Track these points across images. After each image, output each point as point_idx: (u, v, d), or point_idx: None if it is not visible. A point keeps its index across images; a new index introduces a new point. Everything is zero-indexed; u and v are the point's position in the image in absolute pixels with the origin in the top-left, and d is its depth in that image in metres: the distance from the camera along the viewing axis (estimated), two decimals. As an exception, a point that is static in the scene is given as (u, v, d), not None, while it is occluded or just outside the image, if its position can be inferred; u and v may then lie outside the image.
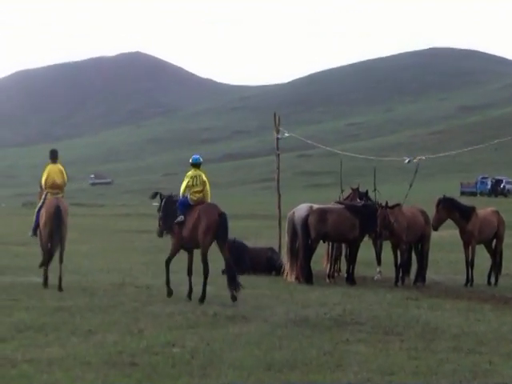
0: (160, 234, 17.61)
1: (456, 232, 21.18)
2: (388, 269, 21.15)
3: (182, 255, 17.29)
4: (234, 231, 26.70)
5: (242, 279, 18.01)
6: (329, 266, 21.16)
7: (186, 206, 16.77)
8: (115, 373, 10.13)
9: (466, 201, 23.31)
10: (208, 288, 16.23)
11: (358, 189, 22.86)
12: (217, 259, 16.96)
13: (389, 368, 10.57)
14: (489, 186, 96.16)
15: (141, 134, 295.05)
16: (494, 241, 21.20)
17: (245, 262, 21.81)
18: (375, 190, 22.77)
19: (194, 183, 16.95)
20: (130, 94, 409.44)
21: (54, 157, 18.66)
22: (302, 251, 20.35)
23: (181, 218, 16.73)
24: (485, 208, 22.07)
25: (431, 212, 20.71)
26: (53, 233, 17.86)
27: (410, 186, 21.60)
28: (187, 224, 16.62)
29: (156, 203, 18.10)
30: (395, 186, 66.10)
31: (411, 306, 16.19)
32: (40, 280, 18.11)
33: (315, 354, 11.25)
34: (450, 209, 20.34)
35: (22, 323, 13.15)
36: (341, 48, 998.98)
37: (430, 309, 15.86)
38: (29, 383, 9.70)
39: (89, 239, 34.68)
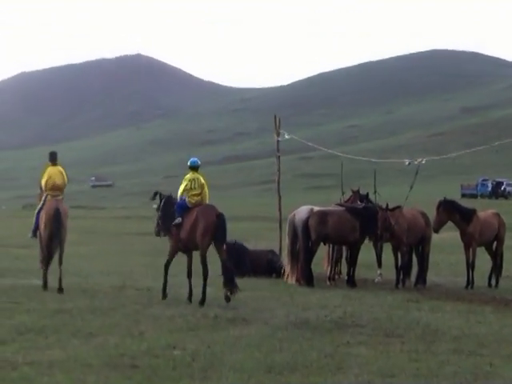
0: (157, 234, 17.60)
1: (456, 234, 21.18)
2: (389, 271, 21.14)
3: (182, 258, 17.29)
4: (235, 233, 26.70)
5: (243, 281, 18.02)
6: (329, 268, 21.15)
7: (184, 209, 16.77)
8: (116, 375, 10.13)
9: (466, 203, 23.28)
10: (208, 290, 16.23)
11: (358, 191, 22.84)
12: (216, 261, 16.96)
13: (389, 370, 10.57)
14: (489, 188, 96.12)
15: (141, 136, 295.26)
16: (495, 243, 21.20)
17: (245, 264, 21.81)
18: (375, 192, 22.77)
19: (192, 186, 16.94)
20: (131, 95, 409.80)
21: (53, 159, 18.66)
22: (303, 253, 20.35)
23: (178, 220, 16.72)
24: (485, 210, 22.06)
25: (432, 214, 20.71)
26: (52, 235, 17.87)
27: (411, 187, 21.60)
28: (185, 226, 16.61)
29: (155, 205, 18.07)
30: (396, 188, 66.10)
31: (412, 308, 16.19)
32: (40, 282, 18.10)
33: (316, 357, 11.25)
34: (450, 211, 20.34)
35: (22, 326, 13.15)
36: (342, 50, 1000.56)
37: (430, 311, 15.86)
38: (29, 386, 9.71)
39: (89, 241, 34.69)
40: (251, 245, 25.02)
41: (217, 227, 16.34)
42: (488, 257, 21.47)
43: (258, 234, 35.73)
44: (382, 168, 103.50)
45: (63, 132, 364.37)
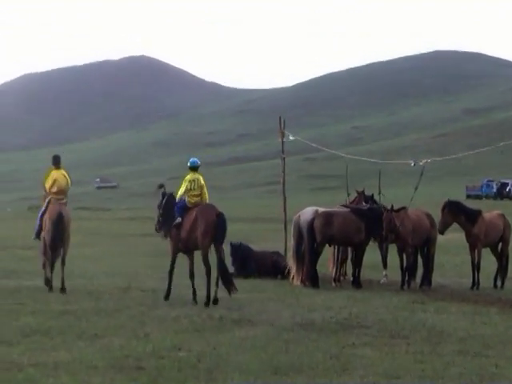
0: (158, 230, 17.55)
1: (462, 235, 21.16)
2: (394, 272, 21.12)
3: (183, 260, 17.28)
4: (239, 235, 26.70)
5: (248, 283, 18.03)
6: (335, 269, 21.13)
7: (184, 209, 16.79)
8: (121, 377, 10.13)
9: (471, 204, 23.26)
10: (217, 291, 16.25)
11: (363, 192, 22.84)
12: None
13: (395, 371, 10.56)
14: (494, 189, 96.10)
15: (145, 137, 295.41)
16: (500, 244, 21.18)
17: (250, 265, 21.83)
18: (380, 193, 22.76)
19: (192, 187, 16.97)
20: (135, 97, 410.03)
21: (56, 162, 18.72)
22: (308, 255, 20.34)
23: (178, 220, 16.74)
24: (490, 211, 22.04)
25: (436, 215, 20.69)
26: (55, 239, 17.91)
27: (416, 189, 21.58)
28: (185, 225, 16.63)
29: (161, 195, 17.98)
30: (400, 189, 66.04)
31: (417, 310, 16.17)
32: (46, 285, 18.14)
33: (321, 358, 11.24)
34: (455, 212, 20.31)
35: (27, 327, 13.16)
36: (345, 51, 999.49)
37: (436, 312, 15.85)
38: (35, 387, 9.72)
39: (94, 243, 34.70)
40: (256, 246, 25.01)
41: (217, 227, 16.33)
42: (493, 258, 21.44)
43: (262, 236, 35.71)
44: (387, 169, 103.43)
45: (67, 134, 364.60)
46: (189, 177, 17.07)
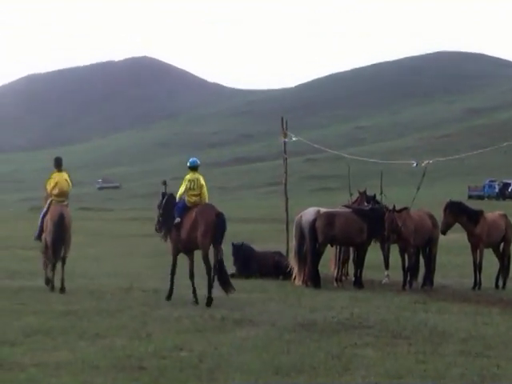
0: (158, 230, 17.56)
1: (463, 235, 21.16)
2: (396, 272, 21.12)
3: (183, 260, 17.30)
4: (241, 235, 26.72)
5: (250, 283, 18.02)
6: (336, 269, 21.13)
7: (183, 209, 16.81)
8: (123, 377, 10.14)
9: (473, 204, 23.26)
10: (213, 291, 16.25)
11: (365, 192, 22.84)
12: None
13: (397, 372, 10.56)
14: (496, 190, 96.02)
15: (147, 137, 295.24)
16: (502, 244, 21.17)
17: (252, 265, 21.85)
18: (382, 193, 22.76)
19: (192, 187, 16.99)
20: (137, 98, 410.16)
21: (58, 164, 18.82)
22: (310, 255, 20.34)
23: (177, 220, 16.76)
24: (493, 211, 22.03)
25: (439, 215, 20.69)
26: (56, 240, 17.97)
27: (418, 189, 21.59)
28: (184, 225, 16.65)
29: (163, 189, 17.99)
30: (402, 189, 66.03)
31: (419, 310, 16.17)
32: (46, 285, 18.18)
33: (323, 358, 11.24)
34: (457, 213, 20.31)
35: (29, 327, 13.18)
36: (348, 52, 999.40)
37: (437, 312, 15.84)
38: (37, 387, 9.73)
39: (96, 243, 34.74)
40: (258, 246, 25.01)
41: (216, 226, 16.34)
42: (495, 258, 21.43)
43: (264, 236, 35.70)
44: (389, 169, 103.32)
45: (69, 134, 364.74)
46: (188, 176, 17.10)
